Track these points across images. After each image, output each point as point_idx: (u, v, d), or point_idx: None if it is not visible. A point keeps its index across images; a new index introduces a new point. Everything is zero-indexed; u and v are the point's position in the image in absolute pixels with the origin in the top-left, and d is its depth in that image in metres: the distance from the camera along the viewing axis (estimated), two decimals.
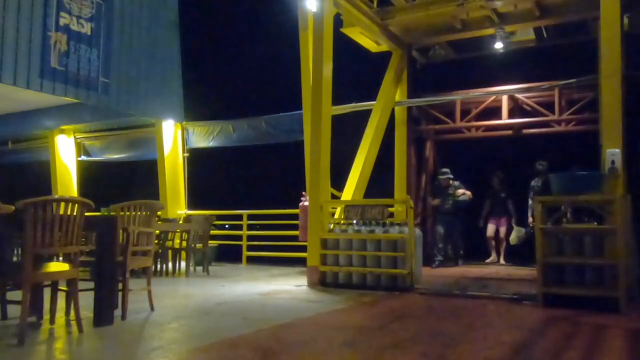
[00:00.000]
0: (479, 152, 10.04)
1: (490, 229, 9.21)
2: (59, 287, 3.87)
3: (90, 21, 8.61)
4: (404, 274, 5.83)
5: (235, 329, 3.80)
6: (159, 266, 7.56)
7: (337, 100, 7.40)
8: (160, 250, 7.51)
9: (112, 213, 4.36)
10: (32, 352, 3.19)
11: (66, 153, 12.32)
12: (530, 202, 8.32)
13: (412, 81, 9.39)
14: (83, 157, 12.49)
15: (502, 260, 9.10)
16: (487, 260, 9.22)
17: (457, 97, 9.39)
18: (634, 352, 3.41)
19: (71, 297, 3.73)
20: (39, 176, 12.73)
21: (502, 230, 9.10)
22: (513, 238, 8.80)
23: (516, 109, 9.37)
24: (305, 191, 7.77)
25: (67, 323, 3.86)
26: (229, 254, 9.95)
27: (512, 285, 6.17)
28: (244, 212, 9.95)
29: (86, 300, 3.80)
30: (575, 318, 4.35)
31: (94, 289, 3.87)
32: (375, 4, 8.24)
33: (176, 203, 10.73)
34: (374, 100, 8.78)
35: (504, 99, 9.26)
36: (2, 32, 7.49)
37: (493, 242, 9.27)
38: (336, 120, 7.12)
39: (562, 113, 8.98)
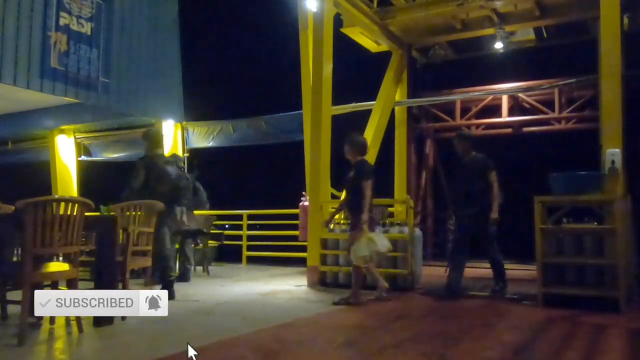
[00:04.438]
0: (478, 150, 10.03)
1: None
2: (59, 287, 3.87)
3: (90, 21, 8.59)
4: (404, 274, 5.83)
5: (236, 329, 3.80)
6: None
7: (337, 100, 7.39)
8: None
9: (112, 213, 4.36)
10: (32, 352, 3.19)
11: (66, 153, 12.29)
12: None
13: (412, 81, 9.39)
14: (83, 157, 12.48)
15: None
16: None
17: (457, 96, 9.39)
18: (634, 352, 3.41)
19: None
20: (39, 176, 12.71)
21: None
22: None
23: (516, 107, 9.38)
24: (305, 191, 7.76)
25: (67, 323, 3.85)
26: (229, 254, 9.95)
27: (512, 285, 6.16)
28: (244, 212, 9.93)
29: None
30: (575, 318, 4.35)
31: (94, 289, 3.86)
32: (375, 4, 8.24)
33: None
34: (374, 100, 8.79)
35: (504, 97, 9.26)
36: (2, 32, 7.47)
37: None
38: (336, 120, 7.12)
39: (562, 111, 8.99)
